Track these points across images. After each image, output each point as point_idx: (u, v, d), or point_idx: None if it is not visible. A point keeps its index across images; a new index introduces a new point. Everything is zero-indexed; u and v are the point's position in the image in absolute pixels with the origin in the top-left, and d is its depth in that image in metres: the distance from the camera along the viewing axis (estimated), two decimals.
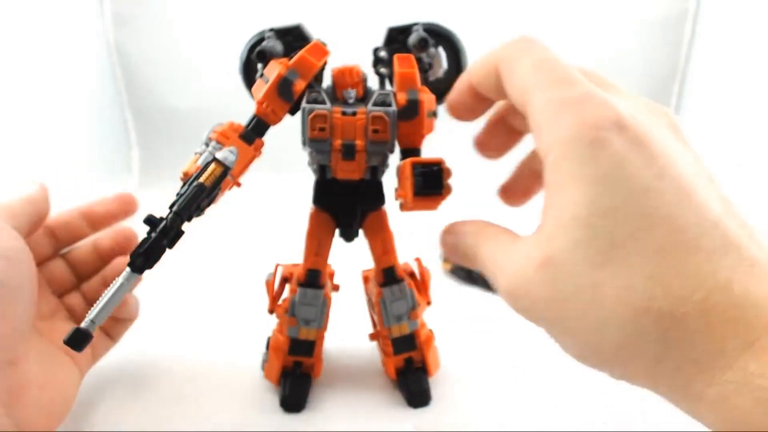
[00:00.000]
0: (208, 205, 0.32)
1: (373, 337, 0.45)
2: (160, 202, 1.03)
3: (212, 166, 0.32)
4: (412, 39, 0.39)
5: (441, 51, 0.41)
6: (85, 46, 0.93)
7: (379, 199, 0.40)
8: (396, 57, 0.38)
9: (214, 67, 1.00)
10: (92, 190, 0.91)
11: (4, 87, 0.72)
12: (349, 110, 0.36)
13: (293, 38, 0.39)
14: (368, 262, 0.46)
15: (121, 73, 1.00)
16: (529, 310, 0.24)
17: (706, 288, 0.20)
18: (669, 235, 0.21)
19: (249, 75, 0.41)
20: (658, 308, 0.21)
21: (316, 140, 0.36)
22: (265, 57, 0.37)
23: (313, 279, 0.41)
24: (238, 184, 0.35)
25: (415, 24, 0.40)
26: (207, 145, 0.35)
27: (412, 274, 0.44)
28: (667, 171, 0.22)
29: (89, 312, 0.28)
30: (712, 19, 0.95)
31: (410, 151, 0.38)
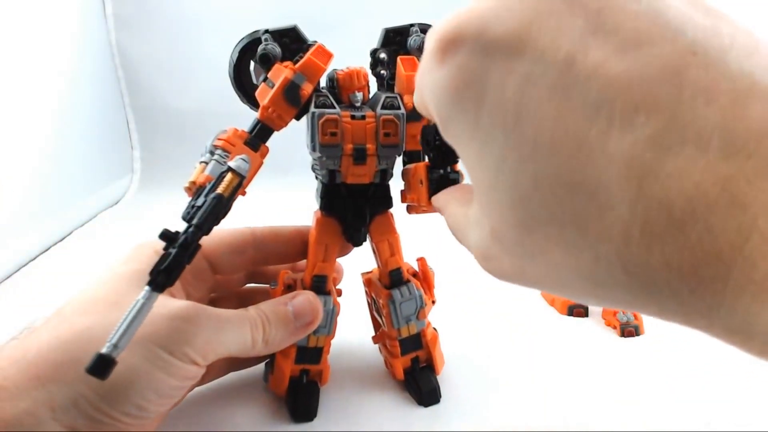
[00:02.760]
0: (225, 215, 0.30)
1: (377, 339, 0.45)
2: (161, 202, 1.03)
3: (229, 175, 0.30)
4: (416, 41, 0.39)
5: None
6: (86, 47, 0.93)
7: (387, 201, 0.40)
8: (400, 59, 0.38)
9: (214, 69, 1.00)
10: (94, 189, 0.92)
11: (6, 88, 0.72)
12: (358, 114, 0.36)
13: (290, 40, 0.38)
14: (362, 265, 0.46)
15: (122, 74, 1.01)
16: (503, 277, 0.21)
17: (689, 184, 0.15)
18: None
19: (239, 77, 0.39)
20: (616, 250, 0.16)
21: (328, 145, 0.35)
22: (269, 60, 0.36)
23: (320, 285, 0.40)
24: (243, 193, 0.34)
25: (412, 25, 0.40)
26: (212, 153, 0.34)
27: (415, 274, 0.44)
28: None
29: (110, 336, 0.25)
30: None
31: (415, 153, 0.39)
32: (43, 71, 0.80)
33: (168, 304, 0.32)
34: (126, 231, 0.85)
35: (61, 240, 0.80)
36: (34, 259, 0.73)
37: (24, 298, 0.63)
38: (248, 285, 0.46)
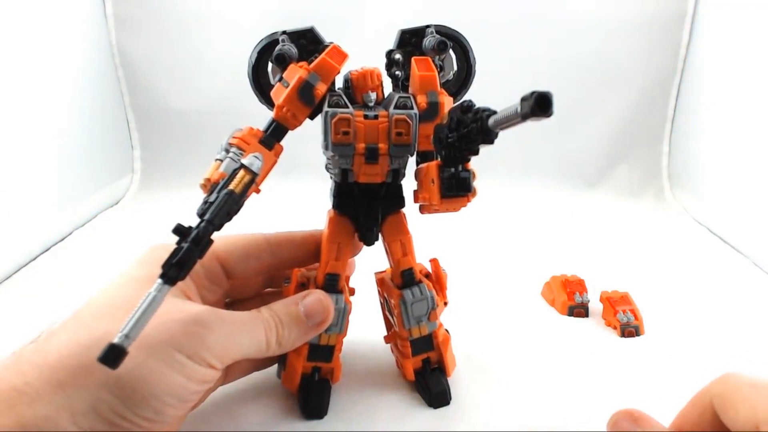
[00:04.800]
0: (236, 212, 0.31)
1: (388, 339, 0.46)
2: (161, 202, 1.03)
3: (241, 172, 0.31)
4: (431, 42, 0.39)
5: (451, 53, 0.41)
6: (87, 47, 0.93)
7: (399, 201, 0.40)
8: (414, 60, 0.38)
9: (215, 69, 1.00)
10: (94, 189, 0.92)
11: (7, 88, 0.72)
12: (371, 114, 0.36)
13: (307, 41, 0.39)
14: (376, 264, 0.46)
15: (122, 74, 1.01)
16: None
17: None
18: None
19: (258, 77, 0.40)
20: None
21: (340, 144, 0.36)
22: (285, 61, 0.37)
23: (333, 283, 0.40)
24: (258, 191, 0.34)
25: (428, 26, 0.41)
26: (227, 151, 0.35)
27: (427, 275, 0.44)
28: None
29: (122, 327, 0.26)
30: (710, 20, 0.95)
31: (428, 153, 0.39)
32: (43, 71, 0.79)
33: (184, 308, 0.32)
34: (126, 231, 0.85)
35: (61, 240, 0.80)
36: (35, 259, 0.73)
37: (24, 298, 0.63)
38: (268, 289, 0.46)
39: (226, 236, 0.30)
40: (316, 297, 0.38)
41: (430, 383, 0.43)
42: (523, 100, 0.23)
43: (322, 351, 0.41)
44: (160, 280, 0.27)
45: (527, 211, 0.96)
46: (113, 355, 0.25)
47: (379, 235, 0.41)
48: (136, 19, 0.98)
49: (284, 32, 0.38)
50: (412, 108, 0.36)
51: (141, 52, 1.00)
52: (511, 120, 0.25)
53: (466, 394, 0.44)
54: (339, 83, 0.39)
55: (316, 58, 0.36)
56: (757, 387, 0.26)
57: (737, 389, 0.26)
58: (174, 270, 0.27)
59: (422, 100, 0.37)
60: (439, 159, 0.34)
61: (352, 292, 0.43)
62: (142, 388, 0.29)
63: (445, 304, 0.44)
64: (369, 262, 0.45)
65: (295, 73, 0.36)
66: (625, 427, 0.29)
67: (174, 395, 0.31)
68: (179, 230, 0.28)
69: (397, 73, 0.40)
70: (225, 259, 0.41)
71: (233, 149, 0.35)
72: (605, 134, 1.05)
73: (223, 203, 0.29)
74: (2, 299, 0.63)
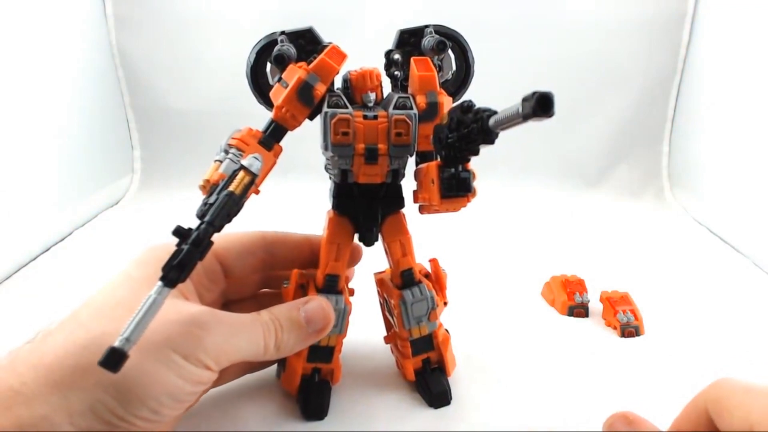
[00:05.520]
0: (236, 213, 0.31)
1: (388, 339, 0.46)
2: (161, 202, 1.03)
3: (241, 173, 0.31)
4: (430, 42, 0.39)
5: (450, 53, 0.41)
6: (87, 47, 0.93)
7: (399, 202, 0.40)
8: (413, 60, 0.38)
9: (215, 69, 1.00)
10: (94, 189, 0.92)
11: (7, 88, 0.72)
12: (370, 114, 0.36)
13: (306, 41, 0.39)
14: (375, 265, 0.46)
15: (122, 74, 1.01)
16: None
17: None
18: None
19: (256, 78, 0.40)
20: None
21: (340, 145, 0.36)
22: (284, 61, 0.37)
23: (332, 284, 0.40)
24: (257, 192, 0.34)
25: (427, 26, 0.41)
26: (226, 152, 0.35)
27: (427, 275, 0.44)
28: None
29: (123, 330, 0.25)
30: (710, 20, 0.95)
31: (428, 153, 0.39)
32: (43, 71, 0.79)
33: (182, 309, 0.32)
34: (126, 231, 0.85)
35: (61, 240, 0.80)
36: (35, 259, 0.73)
37: (24, 298, 0.63)
38: (264, 290, 0.46)
39: (223, 234, 0.30)
40: (318, 303, 0.38)
41: (431, 383, 0.43)
42: (525, 100, 0.23)
43: (322, 352, 0.41)
44: (160, 283, 0.27)
45: (527, 211, 0.96)
46: (114, 359, 0.25)
47: (379, 236, 0.41)
48: (136, 19, 0.98)
49: (283, 32, 0.38)
50: (411, 108, 0.36)
51: (141, 52, 1.00)
52: (512, 120, 0.25)
53: (466, 394, 0.44)
54: (338, 83, 0.39)
55: (315, 58, 0.36)
56: (750, 391, 0.26)
57: (731, 394, 0.27)
58: (174, 272, 0.27)
59: (421, 100, 0.37)
60: (438, 159, 0.34)
61: (351, 292, 0.43)
62: (138, 389, 0.29)
63: (445, 304, 0.44)
64: (369, 263, 0.45)
65: (294, 73, 0.36)
66: (620, 429, 0.29)
67: (170, 395, 0.30)
68: (179, 232, 0.28)
69: (396, 73, 0.40)
70: (223, 256, 0.41)
71: (232, 150, 0.35)
72: (605, 134, 1.05)
73: (223, 204, 0.29)
74: (2, 299, 0.63)
